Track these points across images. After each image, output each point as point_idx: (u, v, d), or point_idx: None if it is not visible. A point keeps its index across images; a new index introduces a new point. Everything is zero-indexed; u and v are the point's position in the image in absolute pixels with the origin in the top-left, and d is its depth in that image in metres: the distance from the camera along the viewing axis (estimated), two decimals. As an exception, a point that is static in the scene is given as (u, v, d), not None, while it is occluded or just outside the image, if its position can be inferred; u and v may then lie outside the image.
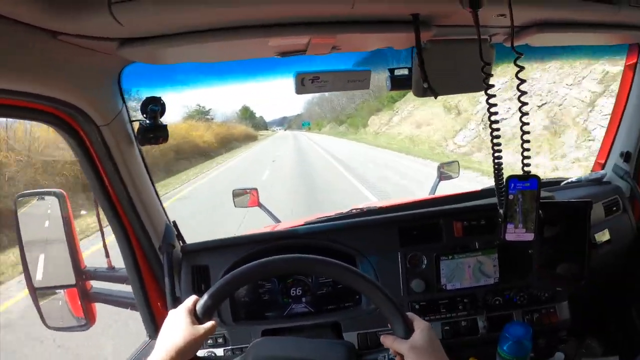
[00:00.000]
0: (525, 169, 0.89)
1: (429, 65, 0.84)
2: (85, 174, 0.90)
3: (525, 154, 0.86)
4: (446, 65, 0.91)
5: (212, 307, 0.71)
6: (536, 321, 1.08)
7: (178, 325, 0.67)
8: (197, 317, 0.70)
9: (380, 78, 1.11)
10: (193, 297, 0.73)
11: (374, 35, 0.86)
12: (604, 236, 1.26)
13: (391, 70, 1.02)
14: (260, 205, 1.92)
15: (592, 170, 1.43)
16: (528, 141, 0.85)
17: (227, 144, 32.41)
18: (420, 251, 1.07)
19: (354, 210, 1.34)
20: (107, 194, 0.93)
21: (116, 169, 0.90)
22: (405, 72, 1.02)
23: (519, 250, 1.06)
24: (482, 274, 1.06)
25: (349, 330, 1.03)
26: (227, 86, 1.05)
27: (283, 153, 21.92)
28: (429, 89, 0.88)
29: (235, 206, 1.92)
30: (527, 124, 0.84)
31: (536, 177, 0.90)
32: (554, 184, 1.37)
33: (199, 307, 0.71)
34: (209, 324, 0.69)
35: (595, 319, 1.38)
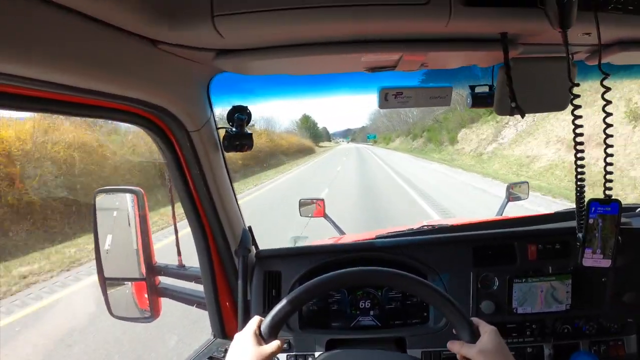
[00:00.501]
0: (607, 192, 0.87)
1: (515, 83, 0.83)
2: (171, 176, 0.93)
3: (608, 177, 0.84)
4: (530, 83, 0.89)
5: (276, 327, 0.72)
6: (603, 353, 1.05)
7: (244, 347, 0.69)
8: (262, 337, 0.71)
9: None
10: (257, 318, 0.74)
11: (462, 53, 0.86)
12: None
13: (472, 87, 1.01)
14: (325, 216, 1.92)
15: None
16: (611, 164, 0.83)
17: (267, 159, 24.51)
18: (492, 272, 1.05)
19: (425, 227, 1.33)
20: (191, 196, 0.96)
21: (202, 173, 0.92)
22: (486, 89, 1.01)
23: (593, 277, 1.03)
24: (554, 299, 1.04)
25: (413, 347, 1.02)
26: (307, 99, 1.06)
27: (340, 173, 17.19)
28: (517, 109, 0.86)
29: (300, 215, 1.94)
30: (611, 146, 0.82)
31: (617, 201, 0.88)
32: (631, 209, 1.32)
33: (263, 327, 0.72)
34: (274, 344, 0.70)
35: None
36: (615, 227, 0.88)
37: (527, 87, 0.88)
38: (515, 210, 2.06)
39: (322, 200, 1.93)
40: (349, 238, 1.58)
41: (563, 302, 1.04)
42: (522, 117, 0.88)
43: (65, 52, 0.55)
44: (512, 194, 1.93)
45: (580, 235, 0.91)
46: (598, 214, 0.90)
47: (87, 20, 0.55)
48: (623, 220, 1.10)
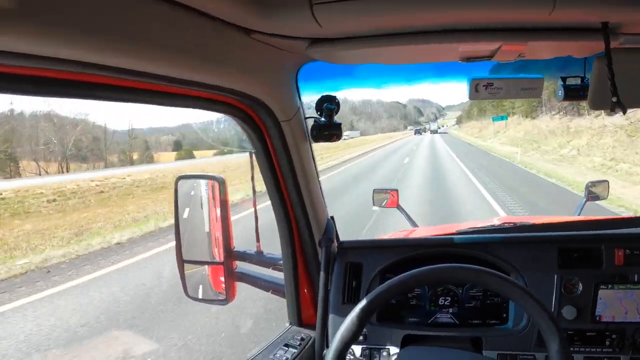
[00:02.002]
0: None
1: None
2: (259, 165, 0.96)
3: None
4: (630, 75, 0.84)
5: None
6: None
7: None
8: None
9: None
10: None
11: (560, 44, 0.83)
12: None
13: (563, 79, 0.96)
14: (399, 207, 1.92)
15: None
16: None
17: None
18: (577, 276, 1.01)
19: (506, 224, 1.30)
20: (278, 185, 0.98)
21: (290, 162, 0.94)
22: (578, 81, 0.96)
23: None
24: (638, 310, 0.98)
25: (489, 348, 1.00)
26: (394, 88, 1.05)
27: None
28: (618, 104, 0.82)
29: (373, 205, 1.95)
30: None
31: None
32: None
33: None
34: None
35: None
36: None
37: (625, 79, 0.83)
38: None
39: (396, 190, 1.92)
40: (422, 231, 1.57)
41: None
42: (624, 113, 0.84)
43: (161, 42, 0.56)
44: (591, 193, 1.83)
45: None
46: None
47: (182, 9, 0.56)
48: None
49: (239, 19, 0.66)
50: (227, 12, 0.63)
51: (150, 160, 31.40)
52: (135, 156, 32.22)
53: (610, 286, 0.99)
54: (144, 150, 34.20)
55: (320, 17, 0.66)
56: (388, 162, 17.95)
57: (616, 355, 0.99)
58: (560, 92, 0.96)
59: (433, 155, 20.76)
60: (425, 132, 65.48)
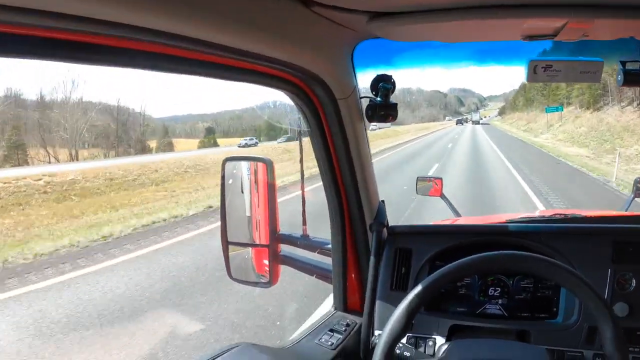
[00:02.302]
0: None
1: None
2: (313, 144, 0.95)
3: None
4: None
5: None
6: None
7: None
8: None
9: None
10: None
11: (628, 22, 0.80)
12: None
13: (623, 63, 0.94)
14: (442, 196, 1.90)
15: None
16: None
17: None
18: (632, 271, 0.97)
19: (557, 215, 1.26)
20: (332, 166, 0.97)
21: (345, 142, 0.94)
22: (638, 66, 0.94)
23: None
24: None
25: (536, 342, 0.96)
26: (450, 69, 1.05)
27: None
28: None
29: (417, 193, 1.93)
30: None
31: None
32: None
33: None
34: None
35: None
36: None
37: None
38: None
39: (440, 179, 1.89)
40: (465, 220, 1.55)
41: None
42: None
43: (216, 9, 0.55)
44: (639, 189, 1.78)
45: None
46: None
47: None
48: None
49: None
50: None
51: (168, 148, 31.46)
52: (153, 144, 32.34)
53: None
54: (161, 137, 34.38)
55: None
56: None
57: None
58: (620, 77, 0.93)
59: (474, 149, 18.59)
60: (467, 122, 64.19)
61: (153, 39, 0.52)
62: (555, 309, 1.03)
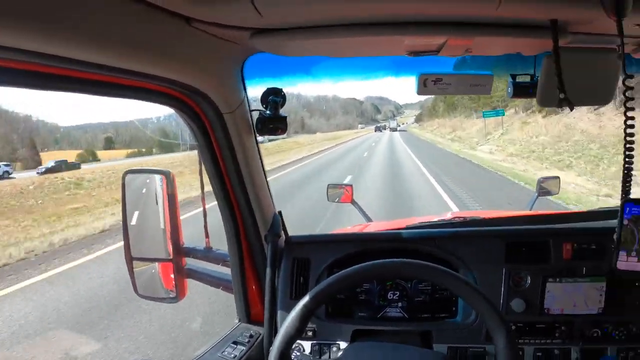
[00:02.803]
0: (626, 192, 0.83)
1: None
2: (203, 159, 0.93)
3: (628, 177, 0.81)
4: (576, 74, 0.85)
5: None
6: None
7: None
8: None
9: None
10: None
11: (509, 40, 0.83)
12: None
13: (513, 76, 0.97)
14: (353, 202, 1.92)
15: None
16: (631, 163, 0.80)
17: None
18: (525, 270, 1.02)
19: (456, 219, 1.30)
20: (222, 179, 0.95)
21: (234, 156, 0.92)
22: (528, 79, 0.97)
23: (626, 282, 0.99)
24: (586, 302, 1.00)
25: (439, 341, 1.01)
26: (342, 82, 1.03)
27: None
28: (565, 100, 0.82)
29: (328, 200, 1.95)
30: (632, 142, 0.79)
31: None
32: None
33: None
34: None
35: None
36: None
37: (573, 78, 0.84)
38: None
39: (351, 186, 1.92)
40: (376, 226, 1.57)
41: (595, 306, 1.00)
42: (571, 109, 0.85)
43: (96, 29, 0.54)
44: (542, 189, 1.87)
45: (615, 236, 0.87)
46: (633, 214, 0.86)
47: None
48: None
49: (177, 6, 0.63)
50: (166, 1, 0.60)
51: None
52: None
53: (558, 280, 1.01)
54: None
55: (261, 7, 0.64)
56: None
57: (566, 346, 1.02)
58: (510, 89, 0.96)
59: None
60: (385, 129, 67.96)
61: (28, 59, 0.51)
62: (454, 309, 1.06)
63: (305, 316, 0.71)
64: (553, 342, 1.01)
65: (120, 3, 0.55)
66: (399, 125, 76.75)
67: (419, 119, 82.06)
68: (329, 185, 1.93)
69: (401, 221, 1.36)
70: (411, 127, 72.54)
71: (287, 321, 0.71)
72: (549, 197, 1.98)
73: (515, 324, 1.01)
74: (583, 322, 1.01)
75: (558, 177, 1.91)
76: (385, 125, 74.76)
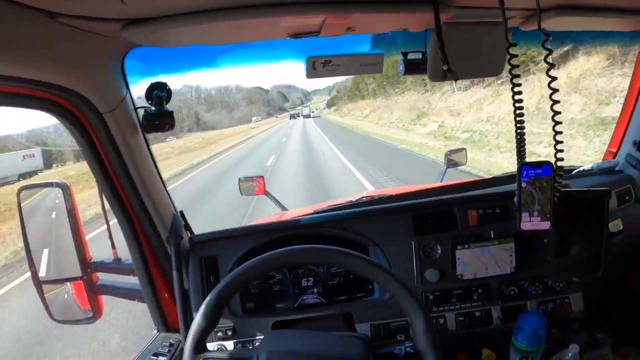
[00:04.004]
0: (559, 157, 0.87)
1: (447, 48, 0.81)
2: (88, 164, 0.87)
3: (559, 146, 0.85)
4: (463, 48, 0.88)
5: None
6: (550, 311, 1.06)
7: None
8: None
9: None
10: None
11: (391, 16, 0.83)
12: (616, 226, 1.24)
13: (404, 54, 0.99)
14: (266, 193, 1.91)
15: (603, 159, 1.40)
16: (560, 132, 0.84)
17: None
18: (434, 240, 1.05)
19: (365, 198, 1.31)
20: (112, 185, 0.90)
21: (120, 158, 0.87)
22: (419, 55, 0.99)
23: (535, 239, 1.04)
24: (498, 263, 1.04)
25: (361, 321, 1.01)
26: (235, 68, 1.01)
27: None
28: (449, 72, 0.85)
29: (241, 194, 1.92)
30: (559, 113, 0.82)
31: (548, 163, 0.88)
32: (566, 172, 1.34)
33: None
34: None
35: (605, 311, 1.37)
36: (550, 189, 0.89)
37: (461, 52, 0.87)
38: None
39: (262, 177, 1.91)
40: (291, 214, 1.55)
41: (507, 266, 1.04)
42: (455, 81, 0.88)
43: None
44: (451, 161, 1.93)
45: (515, 199, 0.91)
46: (530, 177, 0.90)
47: None
48: (563, 182, 1.12)
49: (39, 1, 0.58)
50: None
51: None
52: None
53: (467, 246, 1.04)
54: None
55: None
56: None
57: (486, 307, 1.05)
58: (401, 67, 0.98)
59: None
60: (299, 116, 67.25)
61: None
62: (370, 287, 1.07)
63: (212, 310, 0.70)
64: (472, 306, 1.05)
65: None
66: (312, 112, 76.53)
67: (331, 104, 79.88)
68: (240, 179, 1.90)
69: (315, 206, 1.36)
70: (325, 114, 69.88)
71: (199, 313, 0.71)
72: (460, 168, 2.03)
73: (432, 293, 1.03)
74: (499, 282, 1.05)
75: (464, 149, 1.99)
76: (298, 113, 74.19)
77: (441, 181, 1.82)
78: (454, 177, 1.87)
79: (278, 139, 24.21)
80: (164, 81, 0.88)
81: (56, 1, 0.60)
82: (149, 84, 0.87)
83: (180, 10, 0.71)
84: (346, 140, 17.34)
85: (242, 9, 0.72)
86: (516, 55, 0.82)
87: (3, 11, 0.55)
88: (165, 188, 1.01)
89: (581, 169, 1.37)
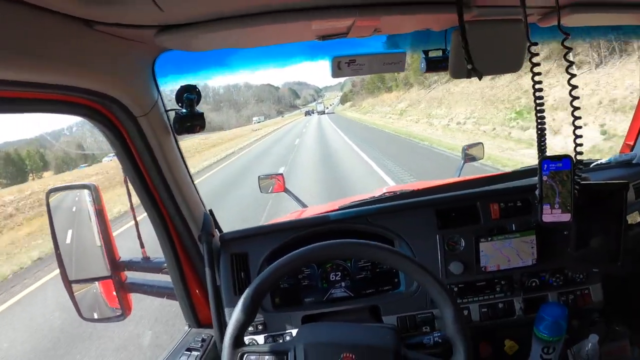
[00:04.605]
0: (579, 151, 0.89)
1: (470, 46, 0.83)
2: (122, 166, 0.89)
3: (578, 140, 0.87)
4: (485, 46, 0.89)
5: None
6: (571, 302, 1.08)
7: None
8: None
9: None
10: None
11: (416, 17, 0.84)
12: (635, 219, 1.26)
13: (425, 52, 1.00)
14: (286, 190, 1.92)
15: (620, 152, 1.41)
16: (580, 127, 0.86)
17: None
18: (458, 233, 1.07)
19: (387, 194, 1.33)
20: (146, 186, 0.92)
21: (154, 160, 0.89)
22: (439, 53, 1.01)
23: (556, 231, 1.06)
24: (520, 255, 1.06)
25: (388, 313, 1.04)
26: (259, 71, 1.03)
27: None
28: (474, 70, 0.86)
29: (260, 192, 1.93)
30: (578, 108, 0.84)
31: (568, 157, 0.90)
32: (584, 165, 1.36)
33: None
34: None
35: (624, 303, 1.39)
36: (571, 183, 0.91)
37: (482, 49, 0.88)
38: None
39: (281, 174, 1.91)
40: (311, 211, 1.57)
41: (529, 258, 1.06)
42: (480, 79, 0.89)
43: None
44: (468, 155, 1.94)
45: (537, 192, 0.93)
46: (551, 170, 0.92)
47: (12, 4, 0.50)
48: (582, 175, 1.13)
49: (77, 9, 0.60)
50: (62, 4, 0.57)
51: None
52: None
53: (489, 238, 1.06)
54: None
55: (162, 2, 0.62)
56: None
57: (509, 298, 1.08)
58: (423, 65, 1.00)
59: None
60: (313, 113, 67.88)
61: None
62: (396, 280, 1.10)
63: (249, 305, 0.73)
64: (496, 297, 1.07)
65: (13, 9, 0.51)
66: (327, 108, 76.82)
67: (345, 100, 79.03)
68: (259, 176, 1.91)
69: (336, 203, 1.37)
70: (339, 110, 68.62)
71: (235, 311, 0.73)
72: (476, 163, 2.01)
73: (456, 285, 1.06)
74: (521, 274, 1.07)
75: (481, 143, 2.00)
76: (313, 110, 75.10)
77: (459, 175, 1.83)
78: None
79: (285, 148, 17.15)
80: (193, 84, 0.89)
81: (94, 10, 0.62)
82: (179, 86, 0.89)
83: (213, 16, 0.73)
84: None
85: (273, 14, 0.73)
86: (537, 54, 0.83)
87: (44, 22, 0.57)
88: (196, 188, 1.03)
89: (599, 162, 1.39)
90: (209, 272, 0.97)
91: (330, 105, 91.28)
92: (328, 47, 0.95)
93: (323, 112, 62.68)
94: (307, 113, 71.33)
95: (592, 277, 1.10)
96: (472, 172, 2.03)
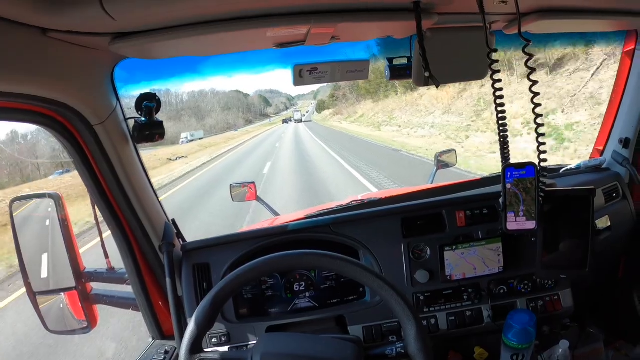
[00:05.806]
0: (542, 158, 0.88)
1: (431, 53, 0.83)
2: (80, 176, 0.88)
3: (541, 148, 0.86)
4: (447, 53, 0.90)
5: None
6: (540, 309, 1.08)
7: None
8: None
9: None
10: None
11: (375, 24, 0.85)
12: (604, 223, 1.26)
13: (389, 60, 1.01)
14: (258, 199, 1.91)
15: (590, 157, 1.42)
16: (543, 134, 0.86)
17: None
18: (424, 242, 1.06)
19: (354, 202, 1.33)
20: (104, 195, 0.91)
21: (112, 168, 0.88)
22: (404, 61, 1.01)
23: (522, 238, 1.06)
24: (486, 263, 1.06)
25: (353, 323, 1.02)
26: (223, 78, 1.01)
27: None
28: (431, 78, 0.86)
29: (233, 201, 1.91)
30: (540, 115, 0.84)
31: (532, 164, 0.90)
32: (553, 171, 1.36)
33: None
34: None
35: (597, 306, 1.39)
36: (535, 190, 0.90)
37: (444, 57, 0.88)
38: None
39: (253, 183, 1.90)
40: (283, 219, 1.57)
41: (495, 265, 1.06)
42: (437, 86, 0.89)
43: None
44: (441, 162, 1.94)
45: (501, 200, 0.93)
46: (514, 178, 0.92)
47: None
48: (548, 181, 1.14)
49: (30, 17, 0.60)
50: (16, 12, 0.57)
51: None
52: None
53: (455, 247, 1.06)
54: None
55: (113, 11, 0.62)
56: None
57: (477, 306, 1.07)
58: (387, 72, 1.00)
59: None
60: (290, 121, 66.88)
61: None
62: (362, 290, 1.09)
63: (206, 315, 0.72)
64: (463, 305, 1.06)
65: None
66: (303, 116, 75.14)
67: (322, 107, 77.08)
68: (231, 185, 1.90)
69: (307, 210, 1.37)
70: (319, 119, 64.59)
71: (190, 322, 0.72)
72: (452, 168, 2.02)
73: (423, 294, 1.05)
74: (488, 282, 1.07)
75: (454, 150, 2.01)
76: (290, 118, 73.79)
77: (432, 182, 1.83)
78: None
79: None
80: (152, 92, 0.89)
81: (48, 18, 0.61)
82: (139, 94, 0.89)
83: (167, 24, 0.73)
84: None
85: (228, 22, 0.73)
86: (497, 61, 0.84)
87: None
88: (157, 197, 1.02)
89: (569, 167, 1.39)
90: (169, 283, 0.96)
91: (307, 112, 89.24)
92: (292, 55, 0.95)
93: (300, 121, 61.94)
94: (285, 121, 70.72)
95: (561, 283, 1.09)
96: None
